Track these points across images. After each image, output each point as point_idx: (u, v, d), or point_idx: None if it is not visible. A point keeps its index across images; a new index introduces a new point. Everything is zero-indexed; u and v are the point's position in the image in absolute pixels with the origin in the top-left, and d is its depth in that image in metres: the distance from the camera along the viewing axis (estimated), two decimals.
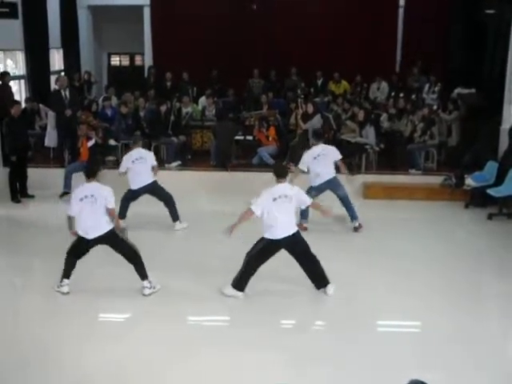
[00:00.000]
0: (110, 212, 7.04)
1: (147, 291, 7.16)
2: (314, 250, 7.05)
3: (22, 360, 5.77)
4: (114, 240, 7.12)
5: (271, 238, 6.95)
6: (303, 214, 9.36)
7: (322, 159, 9.36)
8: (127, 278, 7.28)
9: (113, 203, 7.09)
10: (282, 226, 6.92)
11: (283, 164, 7.58)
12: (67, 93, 12.34)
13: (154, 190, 9.56)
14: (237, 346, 6.06)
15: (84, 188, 7.13)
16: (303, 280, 7.18)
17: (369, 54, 16.91)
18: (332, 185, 9.45)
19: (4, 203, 11.03)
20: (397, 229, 9.84)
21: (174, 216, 9.68)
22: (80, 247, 7.14)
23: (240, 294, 7.11)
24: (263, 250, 7.03)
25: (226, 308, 7.01)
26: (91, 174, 7.17)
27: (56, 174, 11.76)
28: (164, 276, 7.54)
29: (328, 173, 9.39)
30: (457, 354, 5.94)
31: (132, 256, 7.15)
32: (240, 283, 7.10)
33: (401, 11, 17.22)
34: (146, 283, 7.18)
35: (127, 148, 12.82)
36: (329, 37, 17.00)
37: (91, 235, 7.01)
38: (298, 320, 6.86)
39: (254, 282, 7.15)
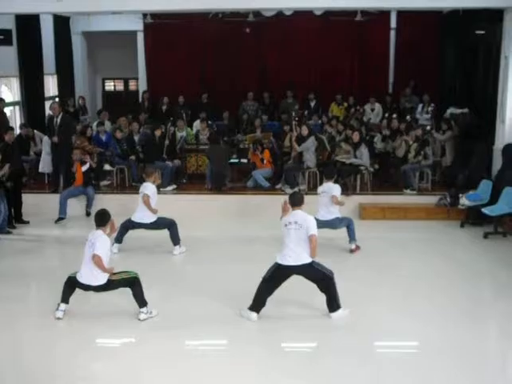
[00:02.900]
0: (94, 258, 6.86)
1: (143, 316, 7.10)
2: None
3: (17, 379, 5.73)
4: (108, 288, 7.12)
5: (279, 262, 6.96)
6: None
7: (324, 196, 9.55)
8: (124, 301, 7.25)
9: (100, 250, 6.88)
10: (290, 254, 6.90)
11: (299, 192, 7.60)
12: (59, 119, 12.33)
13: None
14: (240, 367, 6.03)
15: (91, 233, 7.12)
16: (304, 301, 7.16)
17: (361, 76, 17.06)
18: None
19: None
20: (395, 248, 9.87)
21: (175, 240, 9.64)
22: (75, 285, 7.14)
23: (254, 315, 7.05)
24: (273, 274, 7.03)
25: (225, 331, 6.96)
26: (101, 224, 7.11)
27: (51, 200, 11.76)
28: (161, 300, 7.52)
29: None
30: (456, 372, 5.93)
31: (128, 285, 7.11)
32: (255, 305, 7.06)
33: (392, 33, 17.37)
34: (143, 309, 7.12)
35: (122, 172, 12.87)
36: (321, 59, 17.10)
37: (84, 280, 7.00)
38: (298, 341, 6.81)
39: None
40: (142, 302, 7.11)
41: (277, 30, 16.96)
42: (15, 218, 11.29)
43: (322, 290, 7.06)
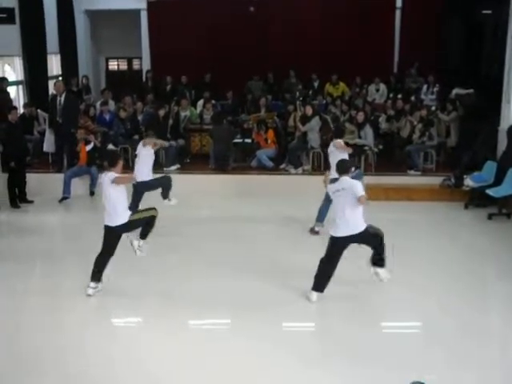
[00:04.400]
0: (115, 180, 7.07)
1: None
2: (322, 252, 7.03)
3: (22, 363, 5.77)
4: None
5: (335, 235, 6.94)
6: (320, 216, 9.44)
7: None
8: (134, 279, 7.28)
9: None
10: (345, 224, 6.87)
11: (347, 160, 7.61)
12: (62, 98, 12.29)
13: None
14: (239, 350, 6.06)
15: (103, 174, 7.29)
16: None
17: (366, 56, 16.91)
18: None
19: (3, 209, 11.03)
20: (398, 229, 9.78)
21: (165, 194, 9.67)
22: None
23: (314, 296, 7.05)
24: (331, 251, 6.99)
25: (226, 312, 6.99)
26: (112, 164, 7.21)
27: (55, 179, 11.77)
28: (164, 279, 7.56)
29: None
30: (459, 349, 5.97)
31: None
32: (318, 285, 7.07)
33: (398, 13, 17.23)
34: (141, 242, 7.60)
35: (125, 152, 12.86)
36: (326, 39, 17.00)
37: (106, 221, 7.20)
38: (301, 320, 6.85)
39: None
40: (144, 234, 7.53)
41: (281, 10, 16.85)
42: (19, 197, 11.31)
43: (372, 247, 7.08)
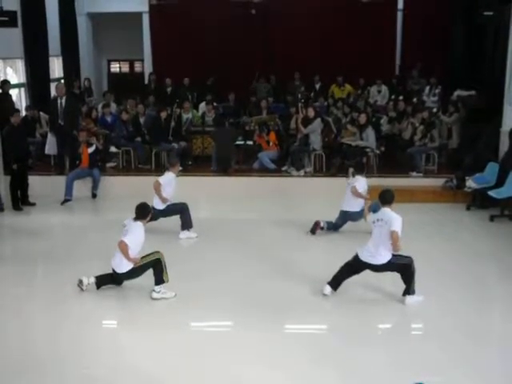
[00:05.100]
0: (120, 244, 7.04)
1: (155, 295, 7.15)
2: (330, 255, 7.04)
3: (25, 363, 5.77)
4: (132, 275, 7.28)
5: (359, 255, 7.05)
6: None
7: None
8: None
9: (128, 238, 7.07)
10: (370, 250, 6.97)
11: (391, 190, 7.56)
12: (63, 101, 12.31)
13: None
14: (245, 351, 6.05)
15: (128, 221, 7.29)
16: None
17: (368, 58, 16.92)
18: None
19: (5, 211, 11.04)
20: (402, 229, 9.82)
21: (184, 225, 9.55)
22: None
23: (328, 289, 7.16)
24: (353, 262, 7.11)
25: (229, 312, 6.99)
26: (142, 217, 7.24)
27: (57, 182, 11.78)
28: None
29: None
30: (461, 350, 5.97)
31: (151, 267, 7.23)
32: (333, 282, 7.18)
33: (400, 14, 17.24)
34: (157, 288, 7.17)
35: (127, 154, 12.87)
36: (328, 41, 17.02)
37: (112, 265, 7.21)
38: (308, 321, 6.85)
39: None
40: (159, 279, 7.16)
41: (282, 12, 16.86)
42: (22, 200, 11.31)
43: (401, 277, 7.10)
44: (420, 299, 7.09)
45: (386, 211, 7.01)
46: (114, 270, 7.21)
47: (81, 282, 7.29)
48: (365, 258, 6.99)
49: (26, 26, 14.54)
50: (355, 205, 9.37)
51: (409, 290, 7.07)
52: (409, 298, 7.07)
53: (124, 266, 7.11)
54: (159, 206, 9.34)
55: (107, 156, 12.87)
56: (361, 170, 9.79)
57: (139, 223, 7.19)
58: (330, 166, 12.41)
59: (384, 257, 6.93)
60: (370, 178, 11.94)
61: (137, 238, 7.13)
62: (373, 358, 5.88)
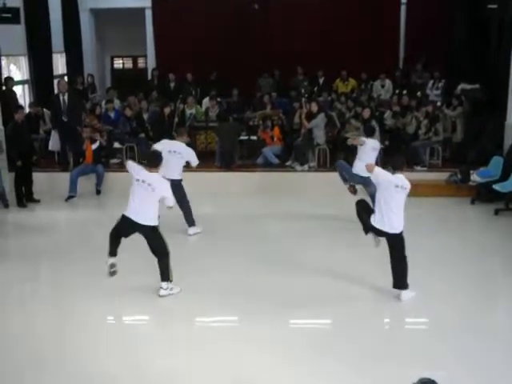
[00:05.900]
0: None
1: (163, 292, 7.10)
2: (332, 248, 7.01)
3: (35, 359, 5.82)
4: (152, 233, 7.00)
5: (371, 221, 6.99)
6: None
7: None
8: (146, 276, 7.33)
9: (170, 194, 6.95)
10: (387, 220, 6.93)
11: (401, 155, 7.44)
12: (65, 97, 12.31)
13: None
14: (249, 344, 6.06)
15: (144, 173, 6.94)
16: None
17: (372, 52, 16.85)
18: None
19: (10, 208, 11.06)
20: (405, 225, 9.79)
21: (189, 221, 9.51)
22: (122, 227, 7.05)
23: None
24: (368, 222, 7.07)
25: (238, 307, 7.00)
26: (154, 165, 6.99)
27: (61, 178, 11.80)
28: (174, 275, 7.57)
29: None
30: (466, 345, 5.99)
31: (162, 249, 7.01)
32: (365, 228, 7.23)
33: (403, 8, 17.18)
34: (164, 284, 7.09)
35: (131, 150, 12.88)
36: (331, 35, 16.94)
37: (134, 217, 6.89)
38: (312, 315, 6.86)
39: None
40: (165, 275, 7.04)
41: (285, 6, 16.82)
42: (26, 196, 11.33)
43: (393, 258, 7.02)
44: (413, 294, 7.03)
45: (403, 178, 6.94)
46: (134, 223, 6.88)
47: (111, 265, 7.10)
48: (382, 227, 6.92)
49: (29, 22, 14.56)
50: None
51: (399, 284, 6.98)
52: (402, 293, 7.02)
53: (151, 220, 6.88)
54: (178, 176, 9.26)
55: (111, 152, 12.88)
56: (371, 132, 9.98)
57: (157, 175, 6.94)
58: (333, 160, 12.38)
59: (399, 227, 6.95)
60: None
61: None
62: (381, 354, 5.87)
